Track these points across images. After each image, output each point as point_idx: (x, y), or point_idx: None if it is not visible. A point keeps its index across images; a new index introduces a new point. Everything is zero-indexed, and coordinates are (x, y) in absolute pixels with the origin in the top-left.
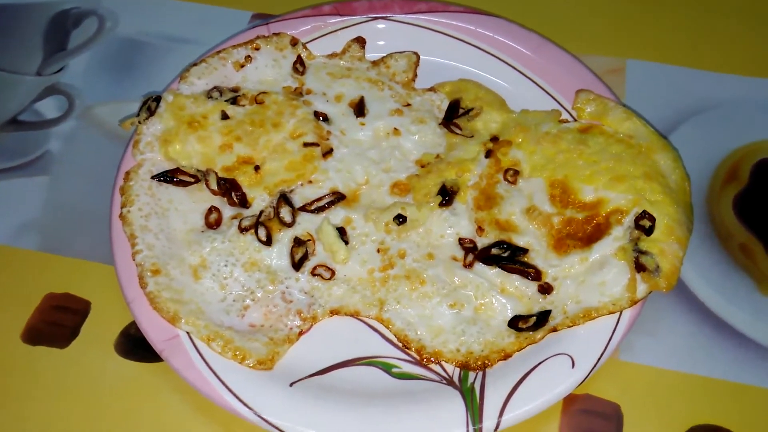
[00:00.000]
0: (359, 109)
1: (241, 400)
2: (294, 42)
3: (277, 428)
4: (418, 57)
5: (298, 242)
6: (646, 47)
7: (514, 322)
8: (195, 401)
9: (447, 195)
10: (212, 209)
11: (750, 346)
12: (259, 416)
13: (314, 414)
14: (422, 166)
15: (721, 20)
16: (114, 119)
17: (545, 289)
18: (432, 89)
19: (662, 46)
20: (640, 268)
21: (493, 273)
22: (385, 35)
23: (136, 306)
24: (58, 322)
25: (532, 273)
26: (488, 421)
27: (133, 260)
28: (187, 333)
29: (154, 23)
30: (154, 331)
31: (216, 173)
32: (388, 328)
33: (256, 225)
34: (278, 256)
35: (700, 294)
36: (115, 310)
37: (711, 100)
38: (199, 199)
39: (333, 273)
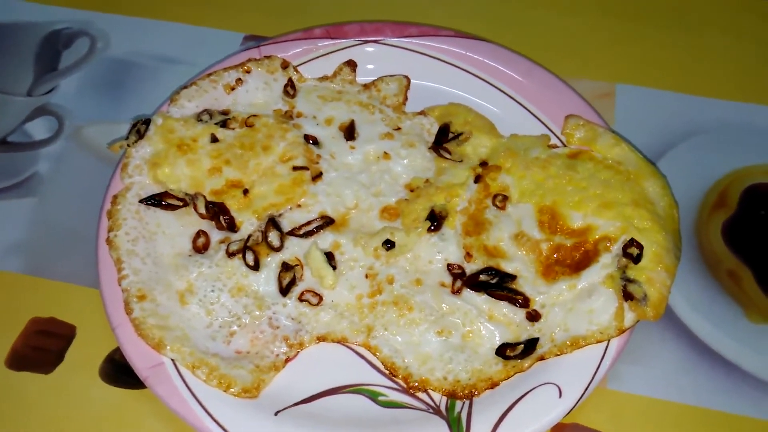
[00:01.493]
0: (349, 132)
1: (225, 430)
2: (285, 65)
3: None
4: (409, 81)
5: (285, 267)
6: (635, 72)
7: (502, 350)
8: (180, 430)
9: (435, 220)
10: (200, 233)
11: (738, 374)
12: None
13: None
14: (411, 191)
15: (710, 45)
16: (104, 141)
17: (533, 317)
18: (422, 113)
19: (652, 70)
20: (627, 296)
21: (482, 299)
22: (375, 59)
23: (121, 332)
24: (42, 347)
25: (520, 300)
26: None
27: (119, 285)
28: (172, 360)
29: (145, 44)
30: (139, 357)
31: (204, 197)
32: (375, 355)
33: (243, 249)
34: (266, 281)
35: (688, 321)
36: (101, 335)
37: (700, 125)
38: (187, 222)
39: (321, 298)
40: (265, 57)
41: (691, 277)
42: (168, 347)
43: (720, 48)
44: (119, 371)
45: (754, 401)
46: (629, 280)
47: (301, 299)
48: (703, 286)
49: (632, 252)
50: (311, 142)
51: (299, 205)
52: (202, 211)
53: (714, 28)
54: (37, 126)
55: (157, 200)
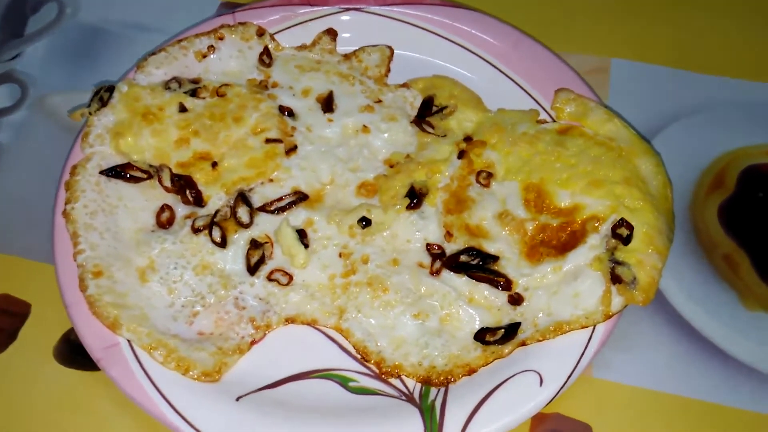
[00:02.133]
0: (327, 104)
1: (181, 415)
2: (261, 32)
3: None
4: (392, 51)
5: (254, 244)
6: (632, 46)
7: (481, 335)
8: (136, 415)
9: (415, 197)
10: (164, 207)
11: (732, 364)
12: None
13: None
14: (391, 166)
15: (711, 20)
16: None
17: (516, 300)
18: (405, 85)
19: (649, 45)
20: (615, 279)
21: (461, 281)
22: (357, 27)
23: (75, 310)
24: None
25: (502, 282)
26: None
27: (75, 260)
28: (129, 341)
29: (117, 10)
30: (93, 337)
31: (170, 169)
32: (347, 339)
33: (210, 225)
34: (233, 259)
35: (680, 308)
36: (57, 314)
37: (698, 102)
38: (151, 196)
39: (291, 278)
40: (240, 23)
41: (685, 261)
42: (124, 327)
43: (720, 24)
44: (75, 352)
45: (748, 393)
46: (618, 263)
47: (269, 279)
48: (697, 271)
49: (622, 233)
50: (286, 113)
51: (271, 180)
52: (168, 184)
53: (714, 3)
54: None
55: (119, 172)
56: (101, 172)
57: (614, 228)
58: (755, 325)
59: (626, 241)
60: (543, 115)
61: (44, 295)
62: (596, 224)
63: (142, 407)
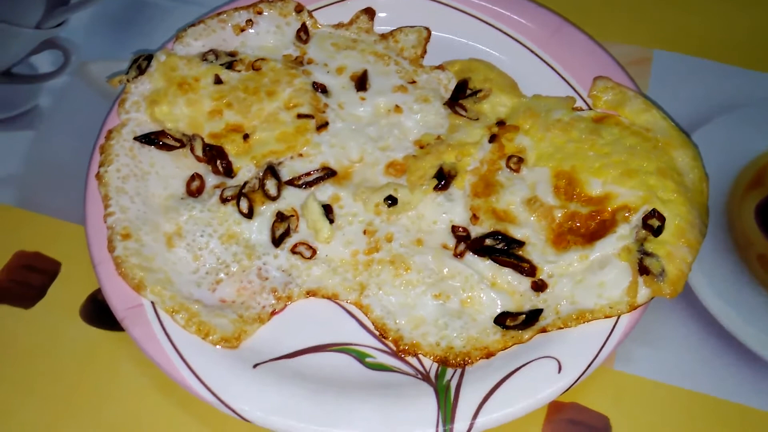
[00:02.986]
0: (361, 83)
1: (198, 377)
2: (299, 8)
3: (232, 410)
4: (429, 33)
5: (280, 217)
6: (676, 38)
7: (502, 319)
8: (155, 375)
9: (443, 179)
10: (195, 176)
11: (759, 365)
12: (215, 395)
13: (274, 399)
14: (421, 147)
15: (757, 14)
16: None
17: (539, 286)
18: (440, 67)
19: (693, 37)
20: (643, 270)
21: (485, 265)
22: (394, 7)
23: (103, 270)
24: (25, 281)
25: (526, 268)
26: (460, 423)
27: (105, 222)
28: (152, 303)
29: None
30: (117, 297)
31: (202, 139)
32: (366, 315)
33: (238, 196)
34: (258, 230)
35: (709, 305)
36: (85, 273)
37: (742, 98)
38: (183, 165)
39: (314, 252)
40: None
41: (717, 258)
42: (148, 289)
43: (766, 18)
44: (100, 311)
45: None
46: (647, 254)
47: (293, 251)
48: (729, 269)
49: (653, 224)
50: (320, 90)
51: (301, 155)
52: (199, 153)
53: None
54: (42, 59)
55: (153, 139)
56: (135, 138)
57: (645, 218)
58: None
59: (657, 232)
60: (579, 103)
61: (74, 255)
62: (627, 214)
63: (162, 368)
